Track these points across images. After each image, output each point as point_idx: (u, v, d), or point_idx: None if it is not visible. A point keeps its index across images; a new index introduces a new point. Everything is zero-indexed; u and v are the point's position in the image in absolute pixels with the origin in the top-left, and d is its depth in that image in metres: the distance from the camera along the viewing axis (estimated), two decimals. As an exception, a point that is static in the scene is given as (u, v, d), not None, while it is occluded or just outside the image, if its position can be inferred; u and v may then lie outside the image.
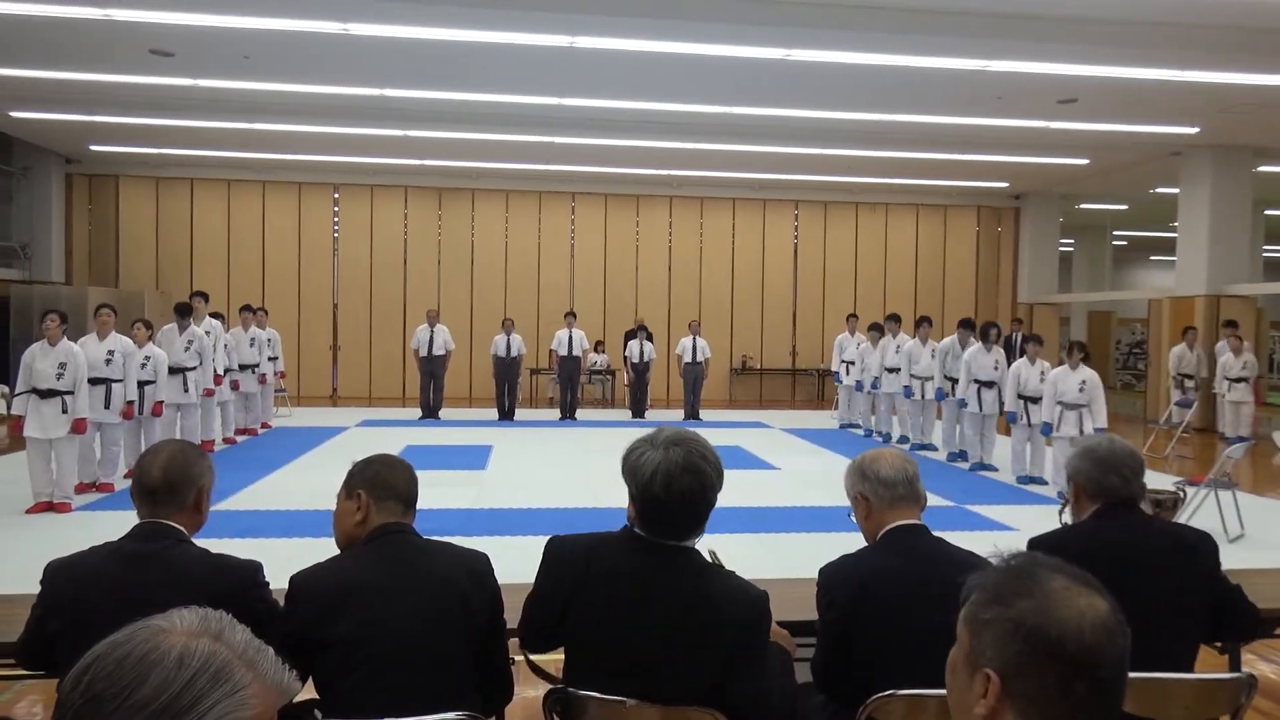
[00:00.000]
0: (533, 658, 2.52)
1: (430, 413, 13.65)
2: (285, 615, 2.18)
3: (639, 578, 2.10)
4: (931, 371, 10.96)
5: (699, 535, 2.17)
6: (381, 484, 2.33)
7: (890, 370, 11.68)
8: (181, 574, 2.18)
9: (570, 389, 14.23)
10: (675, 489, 2.07)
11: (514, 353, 13.99)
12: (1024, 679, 1.18)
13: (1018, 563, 1.27)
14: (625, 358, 14.55)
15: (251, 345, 11.54)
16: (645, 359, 14.24)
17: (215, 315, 10.86)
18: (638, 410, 14.33)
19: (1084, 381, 8.49)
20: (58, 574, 2.22)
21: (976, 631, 1.23)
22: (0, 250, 14.98)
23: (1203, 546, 2.58)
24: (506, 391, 13.98)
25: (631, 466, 2.15)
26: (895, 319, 12.19)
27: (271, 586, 2.36)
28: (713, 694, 2.08)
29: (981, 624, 1.23)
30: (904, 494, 2.41)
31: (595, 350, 16.25)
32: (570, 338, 14.16)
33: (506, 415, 13.91)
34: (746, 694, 2.08)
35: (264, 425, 12.01)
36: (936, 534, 2.44)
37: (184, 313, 9.55)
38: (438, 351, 13.67)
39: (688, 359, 14.05)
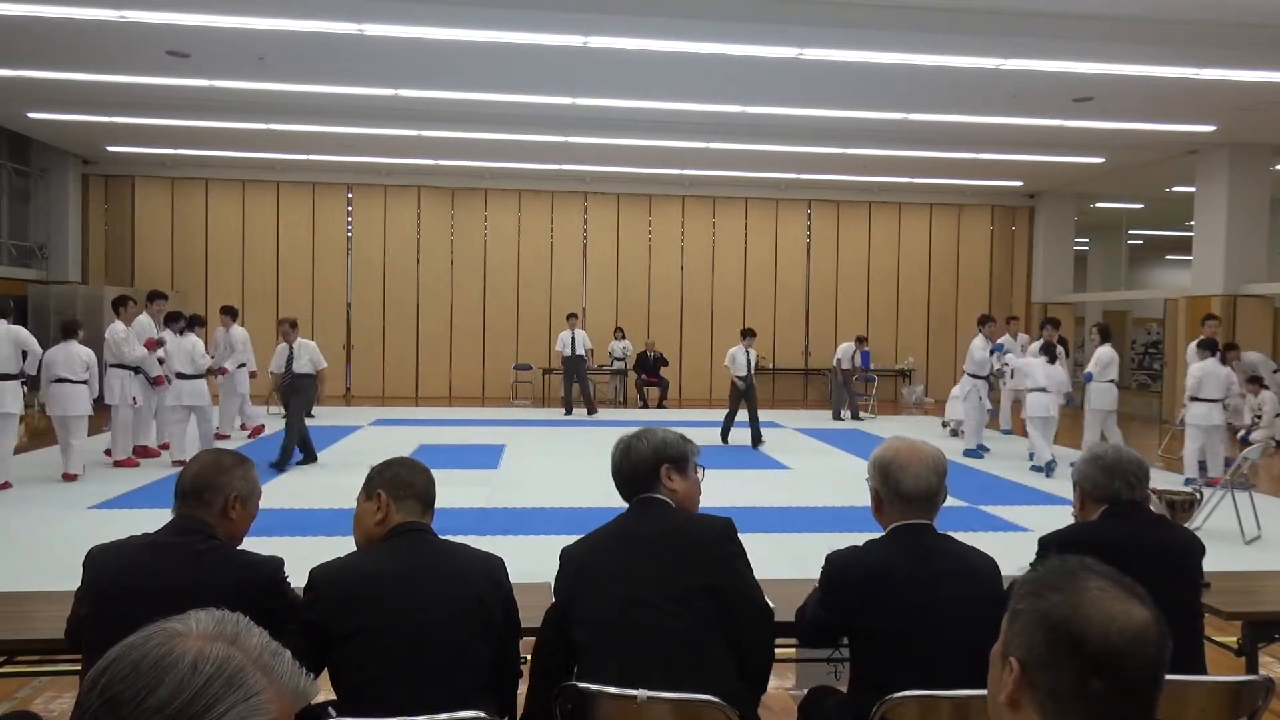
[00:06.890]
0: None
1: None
2: (306, 605, 2.22)
3: (622, 536, 2.44)
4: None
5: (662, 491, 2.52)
6: (401, 484, 2.38)
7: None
8: (205, 569, 2.24)
9: (582, 385, 14.29)
10: (632, 451, 2.55)
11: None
12: (1044, 670, 1.18)
13: (1066, 562, 1.27)
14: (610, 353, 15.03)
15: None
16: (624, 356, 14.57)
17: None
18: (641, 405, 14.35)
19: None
20: (96, 559, 2.31)
21: (1011, 622, 1.25)
22: (18, 250, 15.09)
23: (1198, 549, 2.71)
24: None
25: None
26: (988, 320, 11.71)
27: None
28: (715, 620, 2.30)
29: (1015, 614, 1.24)
30: (918, 508, 2.40)
31: (616, 337, 16.26)
32: (574, 338, 14.30)
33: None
34: (734, 588, 2.37)
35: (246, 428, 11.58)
36: (947, 534, 2.44)
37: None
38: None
39: (740, 373, 11.11)
